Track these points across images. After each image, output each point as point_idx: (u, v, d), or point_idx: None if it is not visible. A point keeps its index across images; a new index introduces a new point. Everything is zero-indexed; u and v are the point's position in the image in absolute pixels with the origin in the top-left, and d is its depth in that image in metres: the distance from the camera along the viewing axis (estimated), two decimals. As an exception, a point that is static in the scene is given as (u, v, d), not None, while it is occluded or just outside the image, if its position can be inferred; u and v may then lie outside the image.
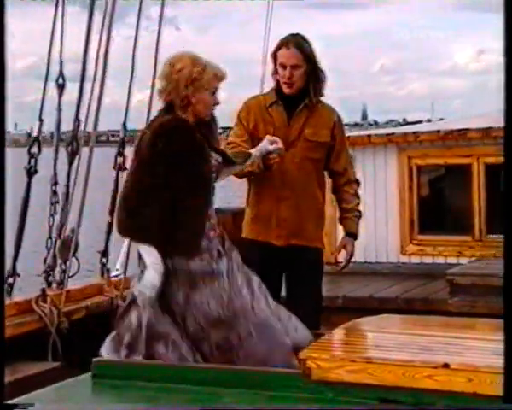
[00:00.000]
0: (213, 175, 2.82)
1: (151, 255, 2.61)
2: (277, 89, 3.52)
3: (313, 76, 3.47)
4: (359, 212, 3.61)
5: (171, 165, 2.63)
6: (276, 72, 3.52)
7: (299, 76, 3.43)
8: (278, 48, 3.48)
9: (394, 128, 6.99)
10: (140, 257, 2.69)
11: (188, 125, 2.70)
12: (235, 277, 2.78)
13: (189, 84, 2.69)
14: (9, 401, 2.16)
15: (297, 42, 3.45)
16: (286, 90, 3.46)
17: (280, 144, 3.25)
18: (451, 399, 2.15)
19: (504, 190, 2.01)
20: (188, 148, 2.66)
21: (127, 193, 2.69)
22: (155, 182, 2.62)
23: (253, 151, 3.24)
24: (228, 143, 3.47)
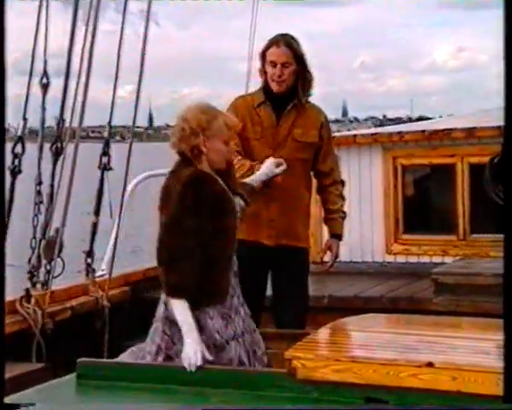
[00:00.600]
0: (238, 222, 2.81)
1: (185, 315, 2.56)
2: (265, 88, 3.53)
3: (302, 76, 3.49)
4: (344, 213, 3.63)
5: (200, 218, 2.61)
6: (263, 71, 3.52)
7: (289, 74, 3.45)
8: (268, 47, 3.50)
9: (381, 128, 7.01)
10: (166, 306, 2.67)
11: (208, 178, 2.66)
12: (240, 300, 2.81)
13: (197, 133, 2.66)
14: (9, 402, 2.15)
15: (287, 41, 3.47)
16: (275, 88, 3.47)
17: (285, 165, 3.26)
18: (436, 398, 2.16)
19: (504, 190, 2.03)
20: (212, 201, 2.64)
21: (165, 252, 2.64)
22: (188, 237, 2.59)
23: (258, 174, 3.19)
24: None
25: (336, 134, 6.00)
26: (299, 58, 3.46)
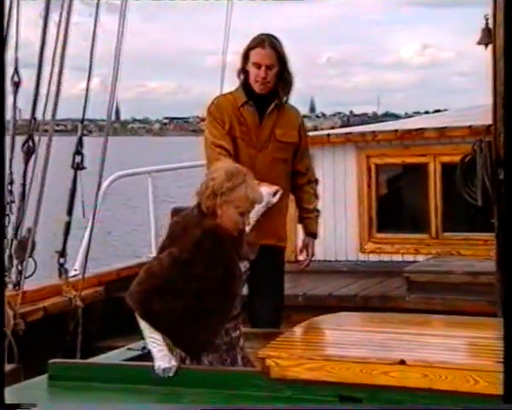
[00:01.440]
0: (242, 284, 2.76)
1: (159, 346, 2.52)
2: (246, 88, 3.52)
3: (283, 77, 3.49)
4: (318, 211, 3.66)
5: (206, 271, 2.59)
6: (244, 70, 3.51)
7: (273, 76, 3.44)
8: (252, 47, 3.47)
9: (355, 128, 7.05)
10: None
11: (227, 238, 2.66)
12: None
13: (215, 195, 2.65)
14: (9, 402, 2.13)
15: (271, 42, 3.46)
16: (259, 89, 3.46)
17: (281, 191, 3.22)
18: (407, 395, 2.18)
19: (504, 190, 2.06)
20: (225, 262, 2.63)
21: (157, 281, 2.58)
22: (188, 281, 2.56)
23: (255, 211, 3.03)
24: (215, 146, 3.43)
25: (310, 133, 6.02)
26: (281, 59, 3.47)
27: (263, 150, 3.46)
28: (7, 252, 3.99)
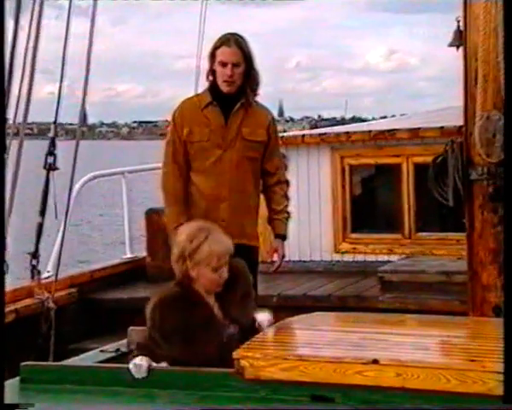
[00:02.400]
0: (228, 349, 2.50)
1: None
2: (213, 88, 3.52)
3: (250, 75, 3.50)
4: (288, 213, 3.64)
5: (168, 345, 2.53)
6: (211, 71, 3.51)
7: (239, 74, 3.45)
8: (218, 46, 3.48)
9: (329, 129, 7.09)
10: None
11: (185, 303, 2.58)
12: None
13: (184, 260, 2.61)
14: (9, 402, 2.10)
15: (237, 40, 3.48)
16: (226, 88, 3.47)
17: (272, 318, 2.91)
18: (381, 394, 2.20)
19: (504, 190, 2.08)
20: (182, 329, 2.54)
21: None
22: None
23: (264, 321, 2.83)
24: (171, 160, 3.50)
25: (285, 134, 6.05)
26: (248, 57, 3.48)
27: (229, 149, 3.46)
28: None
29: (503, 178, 1.91)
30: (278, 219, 3.57)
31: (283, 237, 3.61)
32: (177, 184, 3.50)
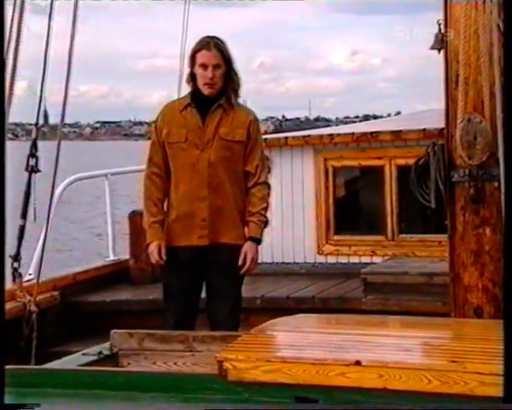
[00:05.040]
0: None
1: None
2: (193, 92, 3.58)
3: (230, 77, 3.54)
4: (265, 217, 3.59)
5: None
6: (191, 76, 3.56)
7: (220, 76, 3.49)
8: (198, 49, 3.53)
9: (313, 130, 7.11)
10: None
11: None
12: None
13: None
14: (11, 401, 2.08)
15: (216, 43, 3.53)
16: (207, 91, 3.52)
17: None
18: (363, 395, 2.21)
19: (505, 190, 2.09)
20: None
21: None
22: None
23: None
24: (150, 162, 3.58)
25: (268, 136, 6.05)
26: (227, 60, 3.53)
27: (206, 149, 3.51)
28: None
29: (504, 179, 1.91)
30: (251, 222, 3.55)
31: (256, 241, 3.55)
32: (152, 186, 3.56)
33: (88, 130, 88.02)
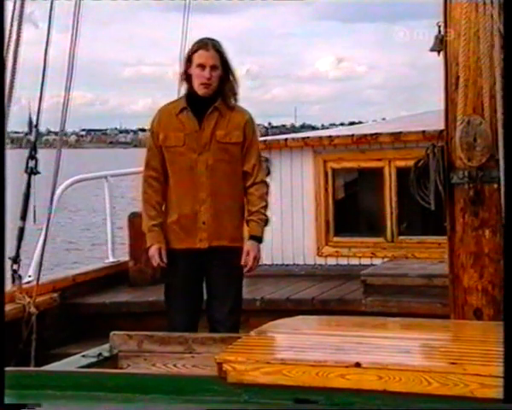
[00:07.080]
0: None
1: None
2: (188, 94, 3.58)
3: (227, 79, 3.54)
4: (265, 215, 3.61)
5: None
6: (186, 77, 3.56)
7: (217, 77, 3.49)
8: (196, 50, 3.54)
9: (312, 132, 7.11)
10: None
11: None
12: None
13: None
14: (10, 402, 2.08)
15: (215, 44, 3.54)
16: (202, 91, 3.52)
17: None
18: (363, 397, 2.21)
19: (504, 191, 2.09)
20: None
21: None
22: None
23: None
24: (147, 166, 3.57)
25: (268, 138, 6.06)
26: (225, 61, 3.53)
27: (204, 153, 3.51)
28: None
29: (504, 181, 1.91)
30: (252, 221, 3.57)
31: (257, 239, 3.57)
32: (150, 189, 3.57)
33: (73, 138, 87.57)
